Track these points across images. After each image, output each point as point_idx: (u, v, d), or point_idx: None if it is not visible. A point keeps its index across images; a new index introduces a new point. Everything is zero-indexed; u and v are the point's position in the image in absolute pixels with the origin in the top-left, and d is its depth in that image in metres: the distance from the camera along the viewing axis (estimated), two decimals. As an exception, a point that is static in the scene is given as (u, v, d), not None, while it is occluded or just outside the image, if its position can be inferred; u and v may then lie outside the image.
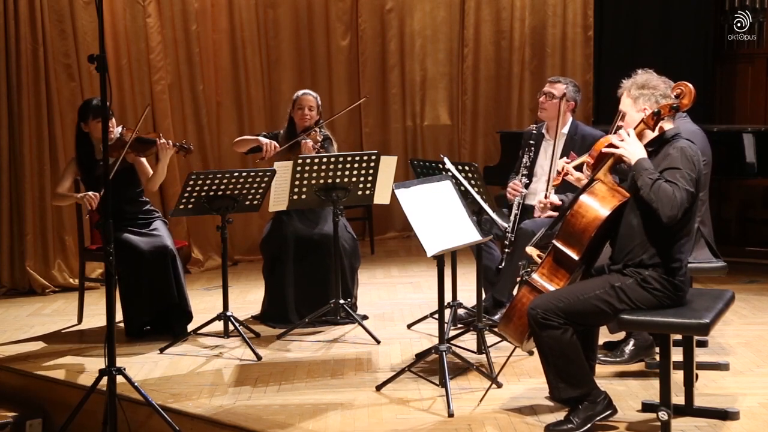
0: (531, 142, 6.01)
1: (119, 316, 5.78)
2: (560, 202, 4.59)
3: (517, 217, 5.77)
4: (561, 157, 5.95)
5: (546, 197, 4.58)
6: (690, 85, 4.31)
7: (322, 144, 6.16)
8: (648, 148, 4.14)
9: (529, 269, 4.36)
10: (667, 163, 4.02)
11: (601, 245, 4.33)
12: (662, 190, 3.92)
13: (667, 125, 4.17)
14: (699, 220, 5.07)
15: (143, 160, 6.03)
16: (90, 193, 5.74)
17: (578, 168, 4.43)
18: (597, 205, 4.12)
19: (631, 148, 4.10)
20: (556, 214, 4.60)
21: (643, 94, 4.16)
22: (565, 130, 5.97)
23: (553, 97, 5.93)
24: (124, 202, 5.90)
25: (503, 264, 5.70)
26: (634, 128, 4.14)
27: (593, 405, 4.16)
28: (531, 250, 4.41)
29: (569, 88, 5.95)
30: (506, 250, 5.62)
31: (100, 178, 5.74)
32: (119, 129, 5.92)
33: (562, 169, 4.41)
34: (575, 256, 4.17)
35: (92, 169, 5.92)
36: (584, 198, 4.16)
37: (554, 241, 4.23)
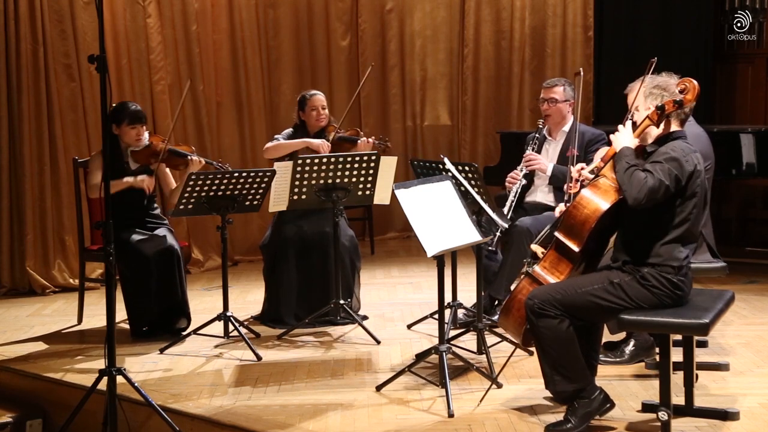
0: (536, 136, 6.04)
1: (120, 316, 5.79)
2: None
3: (513, 203, 5.80)
4: (561, 152, 6.00)
5: (565, 207, 4.58)
6: (694, 81, 4.32)
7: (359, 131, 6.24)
8: (653, 146, 4.16)
9: (532, 266, 4.37)
10: (654, 157, 4.08)
11: (604, 242, 4.34)
12: (635, 175, 4.00)
13: (675, 125, 4.19)
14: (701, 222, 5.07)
15: (168, 171, 6.04)
16: (146, 176, 5.76)
17: (593, 173, 4.41)
18: (598, 198, 4.16)
19: (620, 136, 4.19)
20: None
21: (652, 93, 4.21)
22: (566, 128, 6.04)
23: (556, 102, 5.98)
24: (137, 208, 5.90)
25: (498, 253, 5.73)
26: (640, 124, 4.18)
27: (589, 402, 4.16)
28: (536, 248, 4.44)
29: (566, 88, 6.02)
30: (497, 233, 5.56)
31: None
32: (146, 135, 5.92)
33: (579, 176, 4.39)
34: (576, 248, 4.19)
35: (114, 171, 5.79)
36: (585, 191, 4.20)
37: (556, 233, 4.27)
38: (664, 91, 4.19)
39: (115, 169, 5.85)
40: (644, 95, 4.24)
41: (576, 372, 4.14)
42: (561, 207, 4.58)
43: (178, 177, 6.13)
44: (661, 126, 4.17)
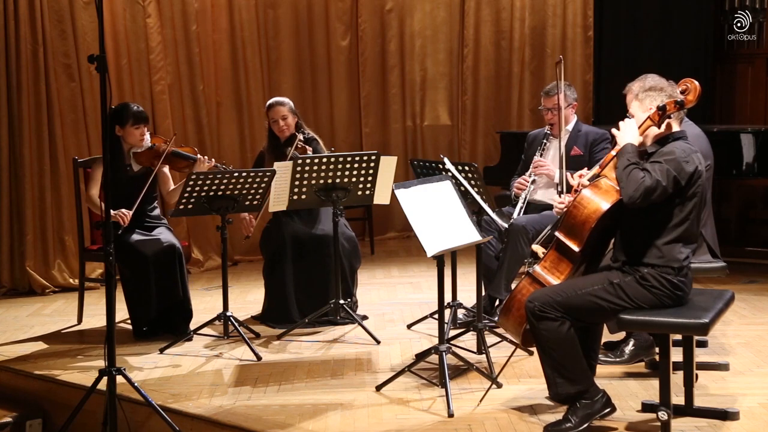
0: (544, 141, 6.04)
1: (120, 316, 5.79)
2: None
3: (522, 210, 5.82)
4: (566, 151, 5.98)
5: (561, 201, 4.56)
6: (695, 82, 4.33)
7: (309, 147, 6.13)
8: (654, 147, 4.16)
9: (533, 266, 4.37)
10: (655, 157, 4.09)
11: (604, 243, 4.34)
12: (633, 173, 4.02)
13: (675, 126, 4.19)
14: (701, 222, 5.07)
15: (168, 173, 6.02)
16: (123, 210, 5.68)
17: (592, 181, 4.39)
18: (598, 198, 4.17)
19: (624, 131, 4.19)
20: None
21: (649, 95, 4.21)
22: (570, 127, 6.07)
23: (559, 109, 5.95)
24: (136, 210, 5.85)
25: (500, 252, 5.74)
26: (641, 125, 4.18)
27: (591, 403, 4.16)
28: (537, 248, 4.44)
29: (566, 92, 5.99)
30: (505, 225, 5.54)
31: (122, 184, 5.78)
32: (148, 136, 5.90)
33: (578, 185, 4.36)
34: (576, 248, 4.19)
35: (115, 173, 5.78)
36: (586, 191, 4.21)
37: (556, 233, 4.27)
38: (661, 91, 4.19)
39: (117, 171, 5.83)
40: (639, 100, 4.23)
41: (578, 374, 4.14)
42: (556, 198, 4.55)
43: (179, 178, 6.11)
44: (663, 126, 4.17)
